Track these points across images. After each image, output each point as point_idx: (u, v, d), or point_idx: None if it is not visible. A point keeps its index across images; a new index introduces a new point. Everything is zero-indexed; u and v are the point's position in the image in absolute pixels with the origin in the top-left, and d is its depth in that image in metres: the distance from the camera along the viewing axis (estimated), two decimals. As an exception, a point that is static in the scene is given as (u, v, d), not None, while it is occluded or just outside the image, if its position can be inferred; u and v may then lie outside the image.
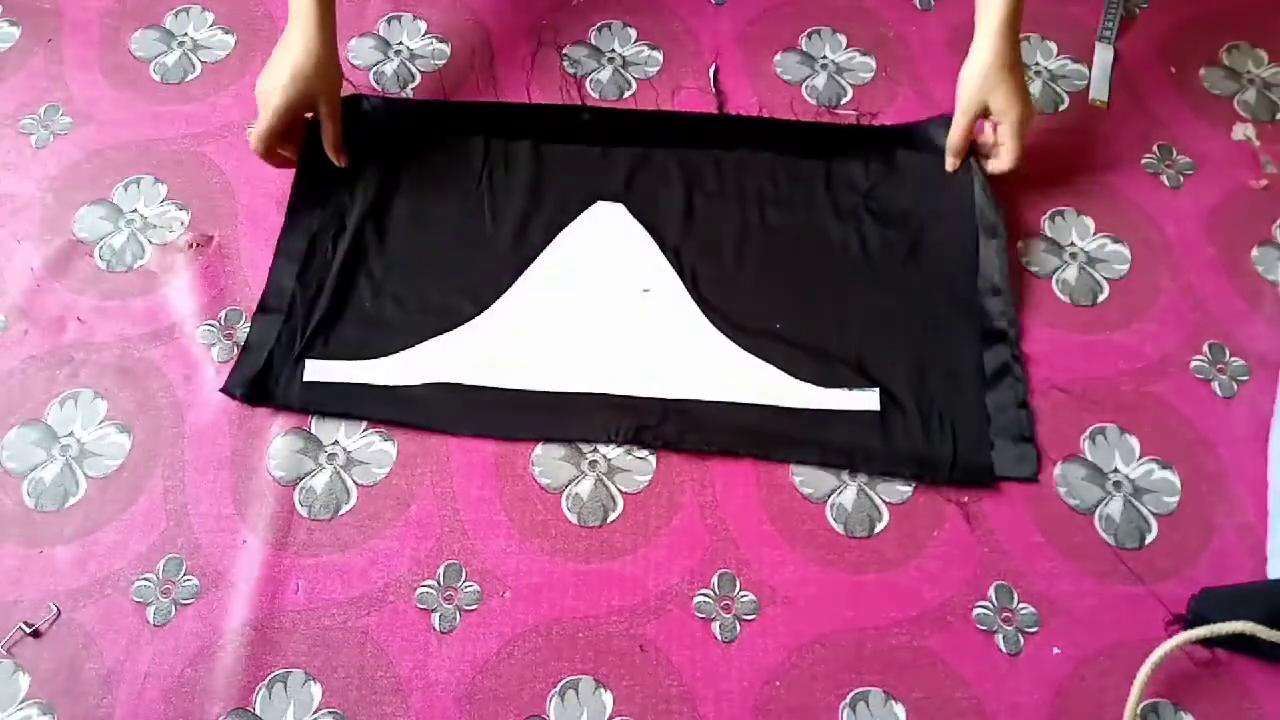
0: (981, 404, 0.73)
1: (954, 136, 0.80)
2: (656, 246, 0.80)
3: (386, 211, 0.81)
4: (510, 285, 0.78)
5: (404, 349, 0.75)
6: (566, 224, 0.81)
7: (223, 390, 0.73)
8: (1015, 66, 0.76)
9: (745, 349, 0.75)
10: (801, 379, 0.74)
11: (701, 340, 0.76)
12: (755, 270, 0.79)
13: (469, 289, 0.77)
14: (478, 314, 0.76)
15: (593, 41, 0.92)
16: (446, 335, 0.75)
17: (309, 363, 0.74)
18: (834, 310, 0.77)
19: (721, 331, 0.76)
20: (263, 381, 0.73)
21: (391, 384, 0.73)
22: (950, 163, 0.81)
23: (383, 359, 0.74)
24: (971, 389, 0.74)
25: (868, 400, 0.73)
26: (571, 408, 0.73)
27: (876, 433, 0.72)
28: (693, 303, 0.77)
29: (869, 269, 0.79)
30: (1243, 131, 0.87)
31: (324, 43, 0.76)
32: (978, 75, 0.76)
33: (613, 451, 0.72)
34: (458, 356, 0.75)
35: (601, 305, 0.77)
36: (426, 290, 0.77)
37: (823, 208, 0.82)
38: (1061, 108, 0.89)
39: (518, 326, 0.76)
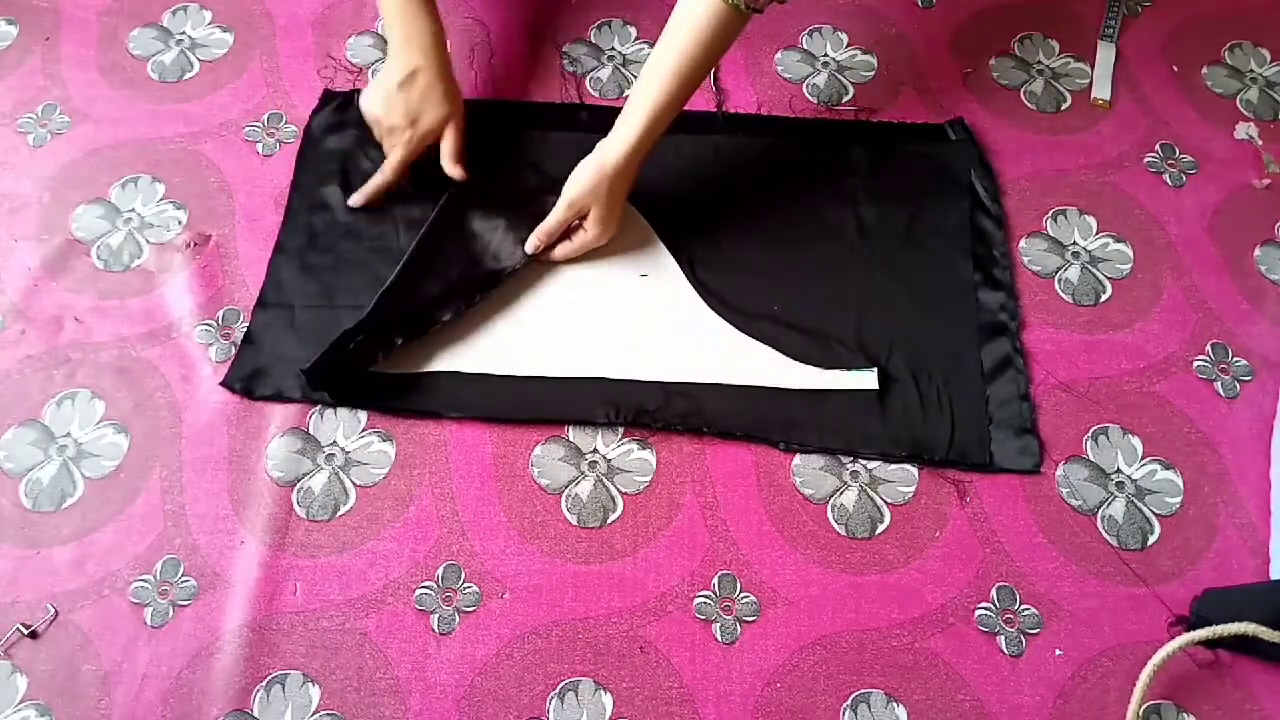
0: (981, 390, 0.73)
1: (550, 224, 0.75)
2: (654, 232, 0.80)
3: (385, 204, 0.80)
4: (509, 274, 0.77)
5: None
6: None
7: (222, 384, 0.72)
8: (623, 181, 0.73)
9: (744, 332, 0.75)
10: (800, 360, 0.74)
11: (700, 324, 0.76)
12: (752, 254, 0.79)
13: (468, 278, 0.77)
14: (477, 303, 0.76)
15: (592, 39, 0.92)
16: (447, 324, 0.75)
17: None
18: (832, 292, 0.77)
19: (720, 315, 0.76)
20: (262, 373, 0.73)
21: (392, 373, 0.73)
22: (531, 244, 0.76)
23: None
24: (969, 370, 0.74)
25: (866, 380, 0.73)
26: (573, 393, 0.73)
27: (875, 412, 0.72)
28: (690, 287, 0.77)
29: (866, 251, 0.79)
30: (1245, 130, 0.87)
31: (444, 63, 0.77)
32: (594, 175, 0.72)
33: (612, 452, 0.72)
34: (458, 345, 0.75)
35: (600, 292, 0.77)
36: (426, 279, 0.77)
37: (820, 191, 0.82)
38: (1064, 107, 0.88)
39: (517, 314, 0.76)
